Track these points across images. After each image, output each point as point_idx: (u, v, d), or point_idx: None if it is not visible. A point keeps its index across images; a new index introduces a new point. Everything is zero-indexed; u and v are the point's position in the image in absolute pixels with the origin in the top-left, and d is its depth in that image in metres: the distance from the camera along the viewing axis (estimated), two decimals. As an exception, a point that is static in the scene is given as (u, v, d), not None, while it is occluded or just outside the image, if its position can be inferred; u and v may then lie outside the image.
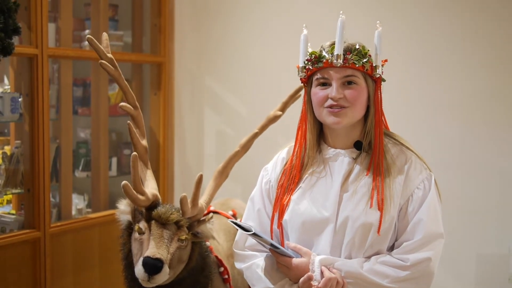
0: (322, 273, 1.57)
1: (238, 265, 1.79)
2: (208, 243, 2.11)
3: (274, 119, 2.20)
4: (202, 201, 2.01)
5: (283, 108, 2.21)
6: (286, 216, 1.68)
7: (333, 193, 1.64)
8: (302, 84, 1.74)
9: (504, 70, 2.67)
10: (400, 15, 2.88)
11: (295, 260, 1.61)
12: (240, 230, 1.65)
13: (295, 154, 1.72)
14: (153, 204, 1.91)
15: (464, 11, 2.74)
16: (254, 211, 1.78)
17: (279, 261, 1.65)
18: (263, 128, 2.18)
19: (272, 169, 1.80)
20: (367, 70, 1.62)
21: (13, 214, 3.03)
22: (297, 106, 2.27)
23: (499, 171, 2.69)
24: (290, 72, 3.06)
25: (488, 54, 2.70)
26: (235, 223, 1.63)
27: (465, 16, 2.74)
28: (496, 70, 2.69)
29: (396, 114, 2.85)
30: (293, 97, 2.21)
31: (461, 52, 2.76)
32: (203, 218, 1.98)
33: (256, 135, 2.16)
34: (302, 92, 2.19)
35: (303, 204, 1.66)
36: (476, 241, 2.73)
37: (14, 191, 2.87)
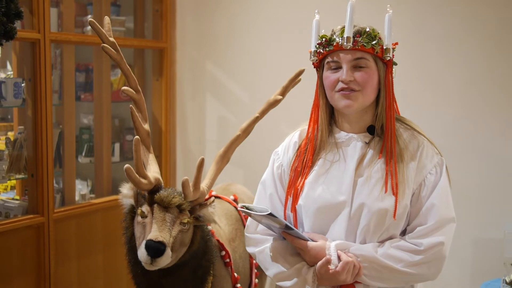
0: (339, 257, 1.58)
1: (250, 249, 1.78)
2: (210, 227, 2.12)
3: (274, 103, 2.19)
4: (203, 185, 2.01)
5: (284, 93, 2.21)
6: (300, 201, 1.67)
7: (347, 178, 1.64)
8: (315, 68, 1.74)
9: (506, 54, 2.66)
10: (401, 2, 2.87)
11: (311, 243, 1.61)
12: (253, 214, 1.62)
13: (308, 138, 1.72)
14: (156, 188, 1.92)
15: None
16: (266, 195, 1.78)
17: (294, 244, 1.65)
18: (264, 112, 2.17)
19: (283, 153, 1.79)
20: (377, 52, 1.62)
21: (17, 200, 3.04)
22: (298, 91, 2.28)
23: (495, 156, 2.69)
24: (290, 56, 3.06)
25: (488, 39, 2.69)
26: (247, 209, 1.62)
27: (465, 2, 2.73)
28: (497, 55, 2.68)
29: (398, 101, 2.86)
30: (293, 81, 2.21)
31: (461, 37, 2.75)
32: (205, 202, 1.98)
33: (256, 120, 2.15)
34: (302, 77, 2.20)
35: (318, 189, 1.66)
36: (471, 226, 2.74)
37: (17, 176, 2.88)
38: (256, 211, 1.60)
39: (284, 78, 2.28)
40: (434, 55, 2.82)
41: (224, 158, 2.12)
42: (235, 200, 2.49)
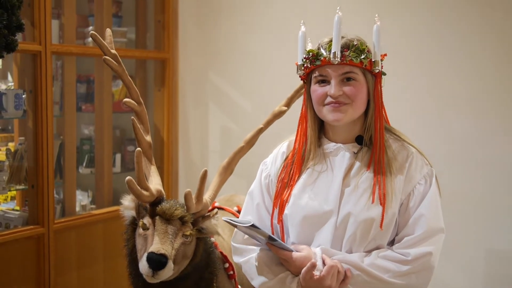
0: (323, 263, 1.56)
1: (236, 258, 1.77)
2: (213, 239, 2.11)
3: (279, 114, 2.18)
4: (206, 196, 2.00)
5: (289, 103, 2.20)
6: (286, 211, 1.67)
7: (334, 188, 1.63)
8: (302, 81, 1.73)
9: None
10: (408, 7, 2.86)
11: (295, 254, 1.61)
12: (238, 225, 1.63)
13: (295, 150, 1.72)
14: (158, 200, 1.90)
15: (473, 3, 2.72)
16: (253, 205, 1.78)
17: (278, 255, 1.64)
18: (268, 123, 2.16)
19: (271, 163, 1.79)
20: (365, 66, 1.61)
21: (17, 210, 3.04)
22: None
23: (508, 165, 2.67)
24: (294, 67, 3.05)
25: (498, 47, 2.67)
26: (231, 221, 1.61)
27: (474, 8, 2.72)
28: (507, 63, 2.66)
29: (405, 108, 2.83)
30: (298, 92, 2.20)
31: (470, 45, 2.73)
32: (208, 213, 1.97)
33: (261, 131, 2.14)
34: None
35: (304, 198, 1.66)
36: (485, 237, 2.71)
37: (18, 187, 2.88)
38: (240, 223, 1.59)
39: (287, 87, 2.26)
40: (442, 62, 2.79)
41: (228, 170, 2.11)
42: (239, 211, 2.47)
